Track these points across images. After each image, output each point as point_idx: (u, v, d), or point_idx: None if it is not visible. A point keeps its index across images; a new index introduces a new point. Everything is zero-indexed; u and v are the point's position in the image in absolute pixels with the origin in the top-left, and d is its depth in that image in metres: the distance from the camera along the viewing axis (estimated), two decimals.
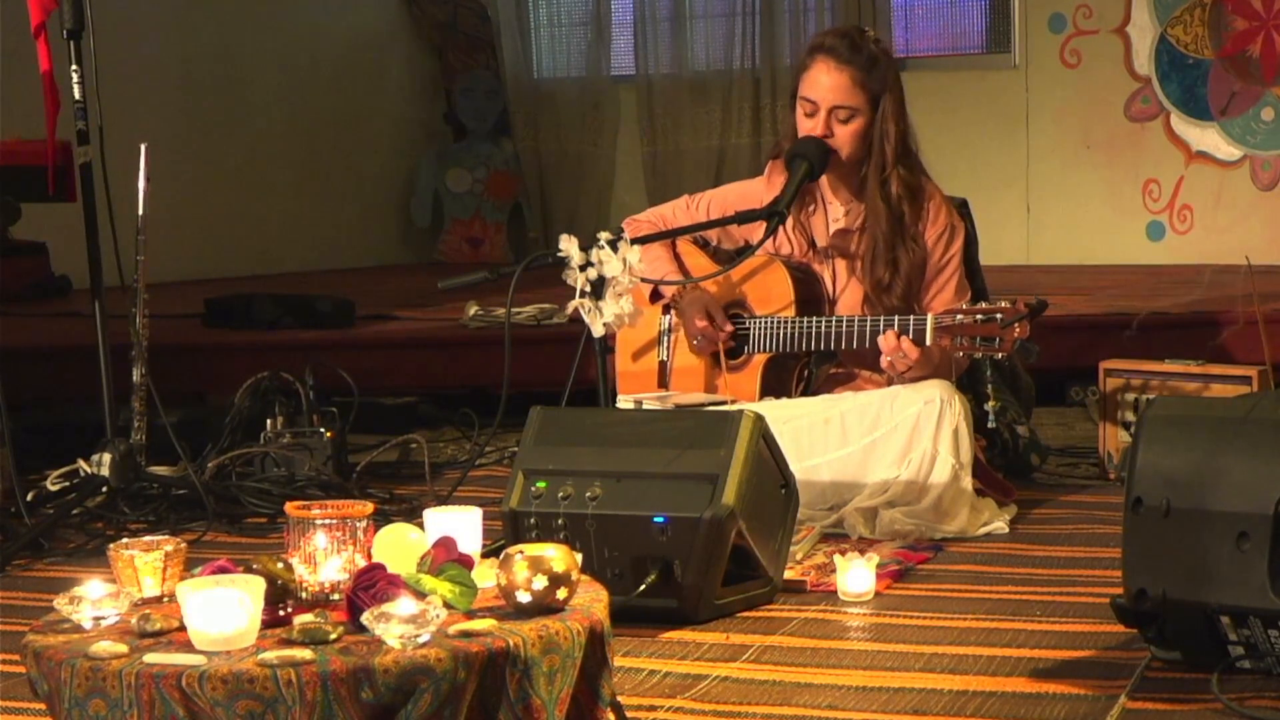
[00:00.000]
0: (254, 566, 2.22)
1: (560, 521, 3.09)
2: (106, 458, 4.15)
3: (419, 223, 8.49)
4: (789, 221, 3.95)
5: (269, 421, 4.46)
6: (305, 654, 2.04)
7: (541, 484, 3.14)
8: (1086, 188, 7.22)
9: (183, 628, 2.13)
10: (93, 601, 2.22)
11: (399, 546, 2.38)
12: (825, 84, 3.86)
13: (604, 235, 3.49)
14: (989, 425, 3.73)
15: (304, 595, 2.31)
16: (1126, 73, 7.15)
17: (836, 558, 3.27)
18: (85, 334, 4.36)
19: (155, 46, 7.12)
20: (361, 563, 2.32)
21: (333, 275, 7.47)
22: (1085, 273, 6.71)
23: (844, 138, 3.87)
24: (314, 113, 7.89)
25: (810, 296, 3.94)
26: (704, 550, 3.01)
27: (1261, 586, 2.53)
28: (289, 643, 2.11)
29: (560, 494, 3.11)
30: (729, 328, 3.93)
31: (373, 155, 8.27)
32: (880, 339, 3.68)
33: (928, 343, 3.64)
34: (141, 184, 4.32)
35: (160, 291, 4.69)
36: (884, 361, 3.71)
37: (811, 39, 4.22)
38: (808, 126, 3.90)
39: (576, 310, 3.49)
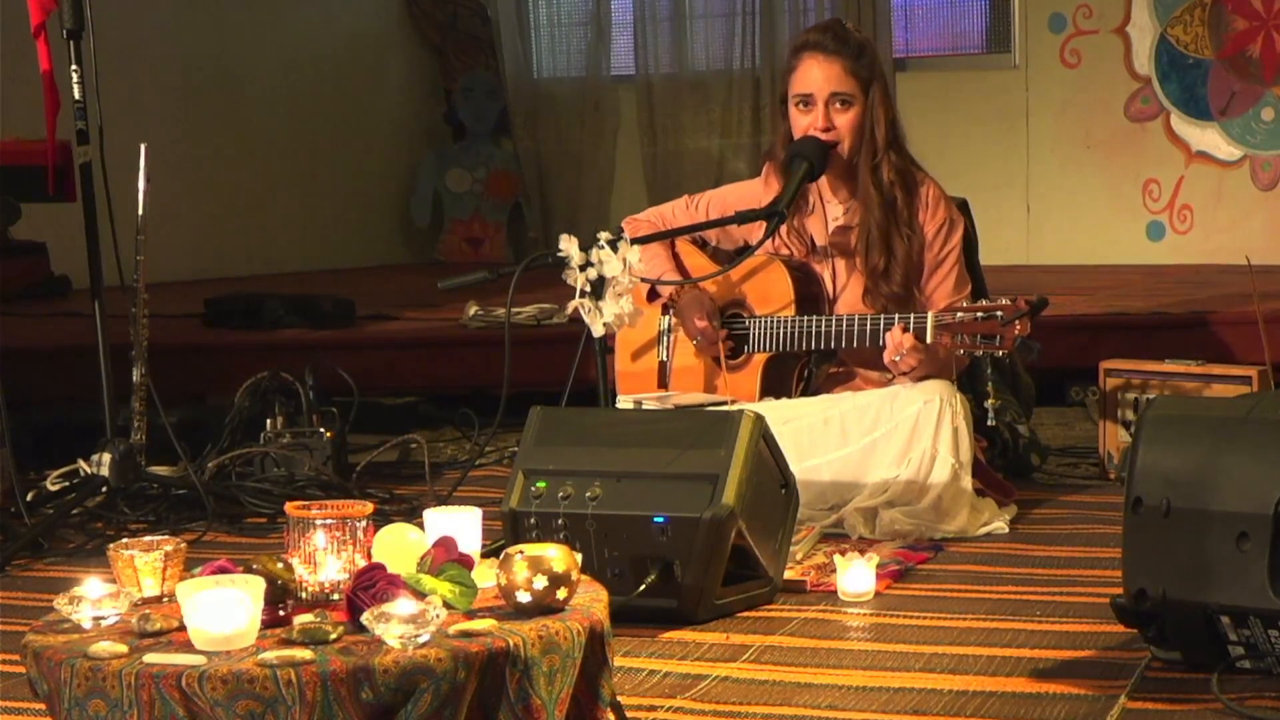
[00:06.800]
0: (254, 566, 2.22)
1: (560, 521, 3.09)
2: (106, 458, 4.15)
3: (419, 223, 8.49)
4: (784, 227, 3.96)
5: (269, 421, 4.46)
6: (305, 654, 2.04)
7: (541, 484, 3.14)
8: (1086, 188, 7.22)
9: (183, 628, 2.13)
10: (93, 601, 2.22)
11: (399, 546, 2.38)
12: (819, 76, 3.87)
13: (604, 235, 3.49)
14: (988, 423, 3.73)
15: (304, 595, 2.31)
16: (1126, 73, 7.15)
17: (836, 558, 3.27)
18: (85, 334, 4.36)
19: (155, 46, 7.11)
20: (361, 563, 2.32)
21: (333, 275, 7.47)
22: (1085, 273, 6.71)
23: (845, 127, 3.88)
24: (314, 113, 7.89)
25: (810, 295, 3.94)
26: (704, 550, 3.01)
27: (1261, 586, 2.53)
28: (289, 643, 2.11)
29: (560, 494, 3.11)
30: (724, 333, 3.93)
31: (373, 155, 8.27)
32: (888, 335, 3.69)
33: (929, 340, 3.65)
34: (141, 184, 4.32)
35: (160, 291, 4.69)
36: (887, 358, 3.72)
37: (793, 40, 4.25)
38: (804, 124, 3.90)
39: (576, 310, 3.49)
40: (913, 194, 3.90)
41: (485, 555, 2.51)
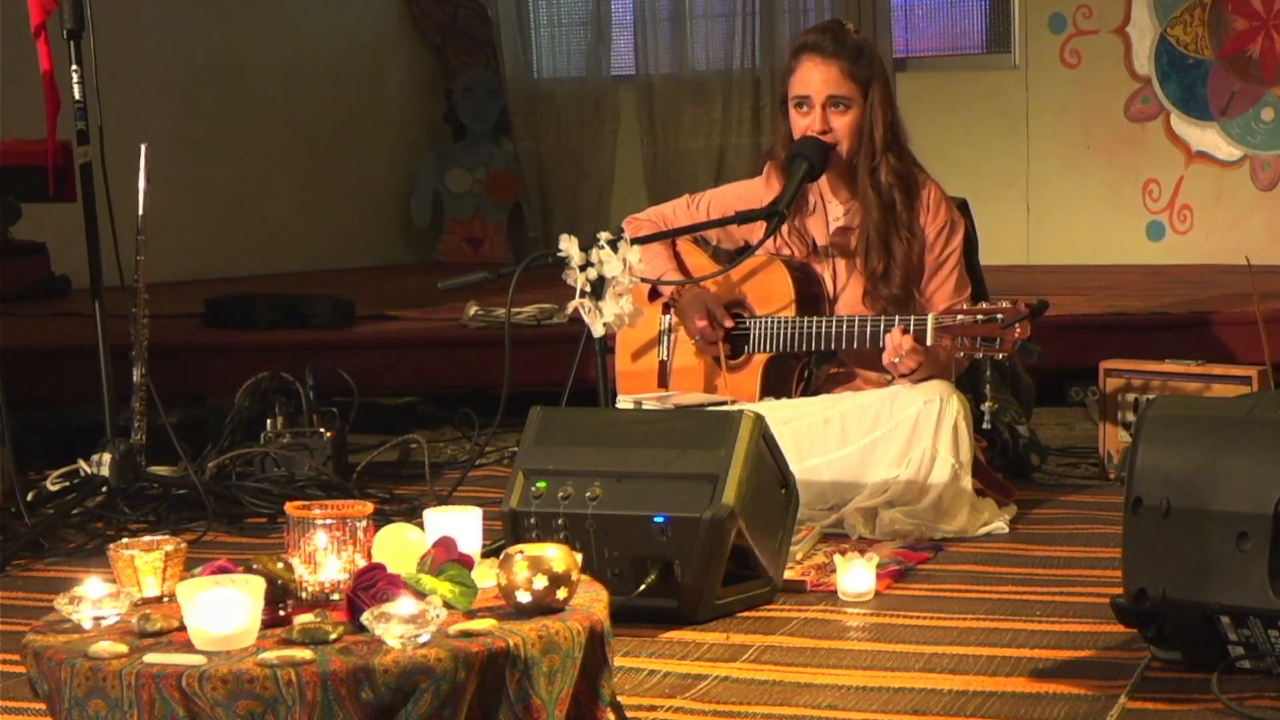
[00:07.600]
0: (254, 566, 2.22)
1: (560, 521, 3.09)
2: (106, 458, 4.15)
3: (419, 223, 8.49)
4: (785, 227, 3.95)
5: (269, 421, 4.46)
6: (305, 654, 2.04)
7: (541, 484, 3.14)
8: (1086, 188, 7.22)
9: (183, 628, 2.13)
10: (93, 601, 2.22)
11: (399, 546, 2.38)
12: (817, 78, 3.87)
13: (604, 235, 3.49)
14: (984, 426, 3.73)
15: (304, 595, 2.31)
16: (1126, 73, 7.15)
17: (836, 558, 3.27)
18: (85, 334, 4.36)
19: (155, 46, 7.11)
20: (361, 563, 2.32)
21: (333, 275, 7.47)
22: (1085, 273, 6.71)
23: (843, 129, 3.88)
24: (314, 113, 7.89)
25: (810, 296, 3.94)
26: (704, 550, 3.01)
27: (1261, 586, 2.53)
28: (289, 643, 2.11)
29: (560, 494, 3.11)
30: (729, 323, 3.93)
31: (373, 155, 8.27)
32: (887, 336, 3.69)
33: (929, 343, 3.65)
34: (141, 184, 4.32)
35: (160, 291, 4.69)
36: (886, 359, 3.72)
37: (793, 41, 4.24)
38: (803, 126, 3.90)
39: (576, 310, 3.49)
40: (913, 196, 3.90)
41: (485, 555, 2.51)
